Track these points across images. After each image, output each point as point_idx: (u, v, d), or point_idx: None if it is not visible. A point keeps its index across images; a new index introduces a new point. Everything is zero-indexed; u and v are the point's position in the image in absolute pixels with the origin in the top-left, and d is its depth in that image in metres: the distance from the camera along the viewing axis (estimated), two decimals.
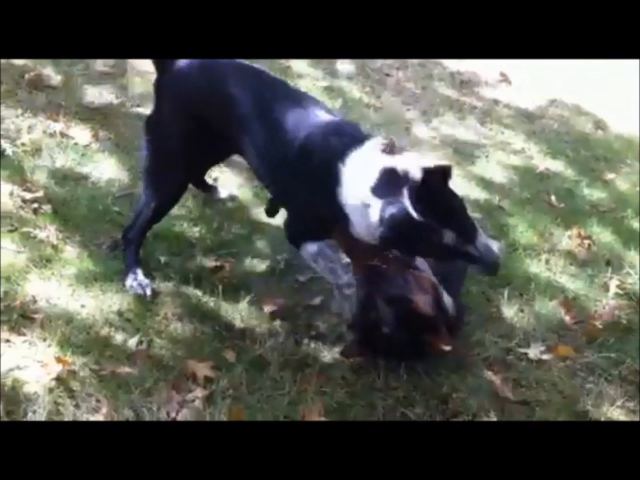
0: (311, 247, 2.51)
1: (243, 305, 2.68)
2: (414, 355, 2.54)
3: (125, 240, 2.72)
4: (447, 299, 2.51)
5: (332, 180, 2.30)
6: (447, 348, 2.39)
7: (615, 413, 2.52)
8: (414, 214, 2.17)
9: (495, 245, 2.32)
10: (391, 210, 2.19)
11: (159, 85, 2.65)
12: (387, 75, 4.73)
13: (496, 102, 4.68)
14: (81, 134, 3.39)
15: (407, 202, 2.17)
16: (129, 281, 2.64)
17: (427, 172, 2.16)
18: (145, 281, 2.65)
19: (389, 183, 2.23)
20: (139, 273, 2.65)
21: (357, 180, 2.27)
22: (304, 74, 4.43)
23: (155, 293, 2.65)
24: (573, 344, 2.78)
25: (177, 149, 2.60)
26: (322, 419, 2.31)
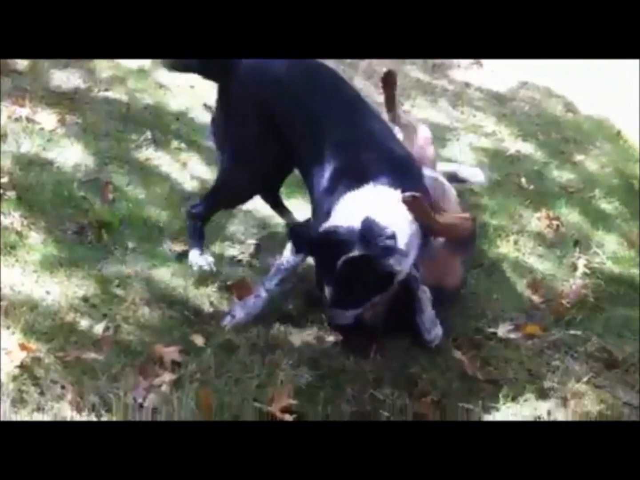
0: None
1: (212, 289, 2.67)
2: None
3: (191, 215, 2.74)
4: None
5: None
6: None
7: (582, 389, 2.55)
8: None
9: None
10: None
11: (226, 89, 2.60)
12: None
13: (468, 85, 4.69)
14: (47, 119, 3.35)
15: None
16: (193, 257, 2.70)
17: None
18: (210, 258, 2.72)
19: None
20: (202, 249, 2.72)
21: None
22: None
23: (124, 277, 2.63)
24: (541, 322, 2.80)
25: (251, 150, 2.58)
26: (291, 401, 2.31)
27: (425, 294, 2.56)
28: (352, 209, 2.31)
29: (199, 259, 2.71)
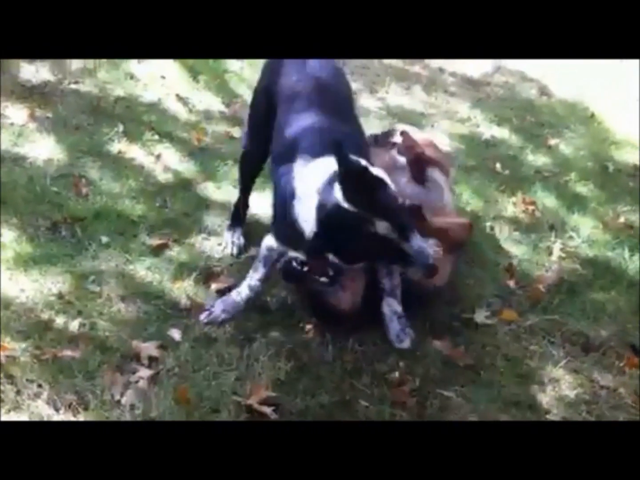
0: (268, 241, 2.52)
1: (188, 283, 2.65)
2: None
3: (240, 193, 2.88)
4: None
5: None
6: None
7: (559, 373, 2.57)
8: (345, 205, 2.14)
9: (430, 248, 2.31)
10: (323, 204, 2.18)
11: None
12: None
13: (441, 70, 4.69)
14: (17, 113, 3.31)
15: (337, 195, 2.15)
16: (227, 235, 2.83)
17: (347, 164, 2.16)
18: (242, 241, 2.81)
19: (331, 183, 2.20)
20: (238, 231, 2.82)
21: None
22: None
23: (98, 273, 2.61)
24: (517, 308, 2.81)
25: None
26: (270, 393, 2.30)
27: (389, 308, 2.56)
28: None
29: (229, 238, 2.83)
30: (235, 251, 2.80)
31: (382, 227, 2.14)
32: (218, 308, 2.53)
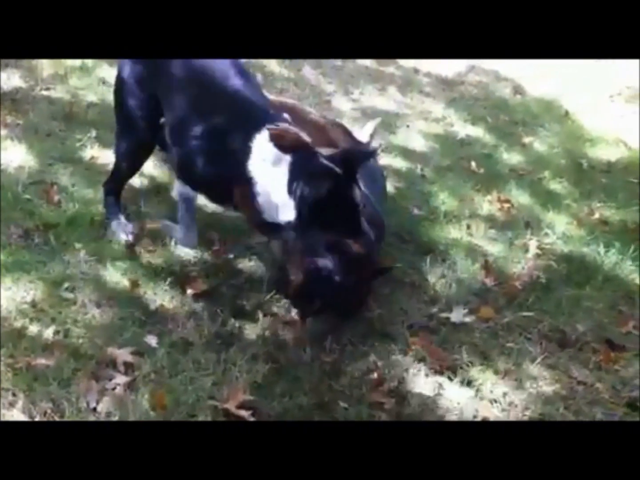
0: (183, 189, 2.70)
1: (164, 287, 2.63)
2: (361, 302, 2.65)
3: (106, 190, 2.87)
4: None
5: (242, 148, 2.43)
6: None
7: (536, 370, 2.58)
8: (334, 168, 2.31)
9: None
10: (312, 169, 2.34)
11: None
12: None
13: (416, 71, 4.71)
14: None
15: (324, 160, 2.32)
16: (113, 226, 2.81)
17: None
18: (130, 225, 2.83)
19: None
20: (122, 218, 2.84)
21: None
22: None
23: (72, 279, 2.58)
24: (494, 305, 2.83)
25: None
26: (248, 397, 2.29)
27: None
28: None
29: (117, 228, 2.81)
30: (131, 238, 2.80)
31: (357, 194, 2.38)
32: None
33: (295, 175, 2.36)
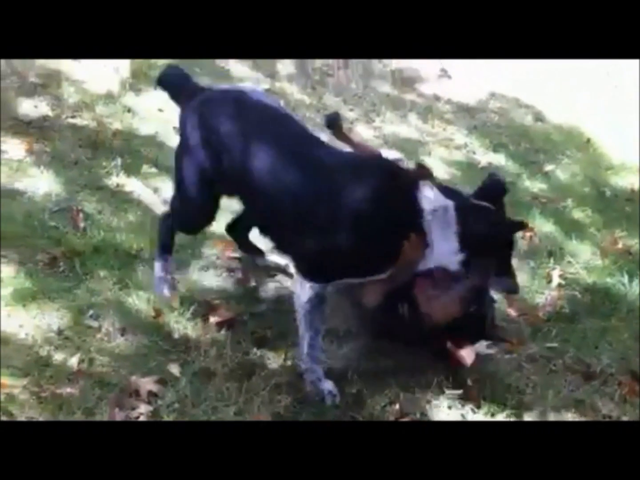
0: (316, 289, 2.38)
1: (187, 316, 2.65)
2: None
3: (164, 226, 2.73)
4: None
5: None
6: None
7: (561, 402, 2.55)
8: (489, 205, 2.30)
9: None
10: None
11: (181, 119, 2.61)
12: (329, 75, 4.74)
13: (437, 98, 4.73)
14: (15, 148, 3.31)
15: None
16: (156, 269, 2.70)
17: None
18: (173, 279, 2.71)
19: None
20: (169, 260, 2.70)
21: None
22: (244, 77, 4.41)
23: (97, 307, 2.60)
24: (518, 336, 2.81)
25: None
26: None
27: None
28: None
29: (159, 281, 2.69)
30: (168, 293, 2.67)
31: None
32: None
33: (461, 219, 2.28)
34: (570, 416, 2.51)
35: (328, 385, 2.45)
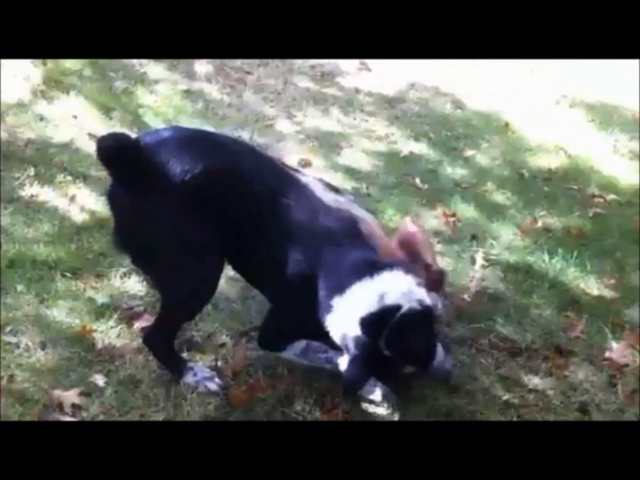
0: (298, 345, 2.41)
1: (111, 324, 2.59)
2: None
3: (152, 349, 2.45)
4: None
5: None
6: None
7: (489, 381, 2.60)
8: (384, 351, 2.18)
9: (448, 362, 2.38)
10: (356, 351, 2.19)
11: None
12: (248, 73, 4.71)
13: (357, 90, 4.75)
14: None
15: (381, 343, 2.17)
16: (189, 380, 2.41)
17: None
18: (210, 373, 2.44)
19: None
20: (195, 366, 2.44)
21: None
22: (160, 78, 4.34)
23: (15, 322, 2.52)
24: (444, 319, 2.84)
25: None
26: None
27: None
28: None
29: (198, 382, 2.42)
30: (217, 388, 2.43)
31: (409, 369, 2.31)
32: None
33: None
34: (496, 392, 2.55)
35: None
